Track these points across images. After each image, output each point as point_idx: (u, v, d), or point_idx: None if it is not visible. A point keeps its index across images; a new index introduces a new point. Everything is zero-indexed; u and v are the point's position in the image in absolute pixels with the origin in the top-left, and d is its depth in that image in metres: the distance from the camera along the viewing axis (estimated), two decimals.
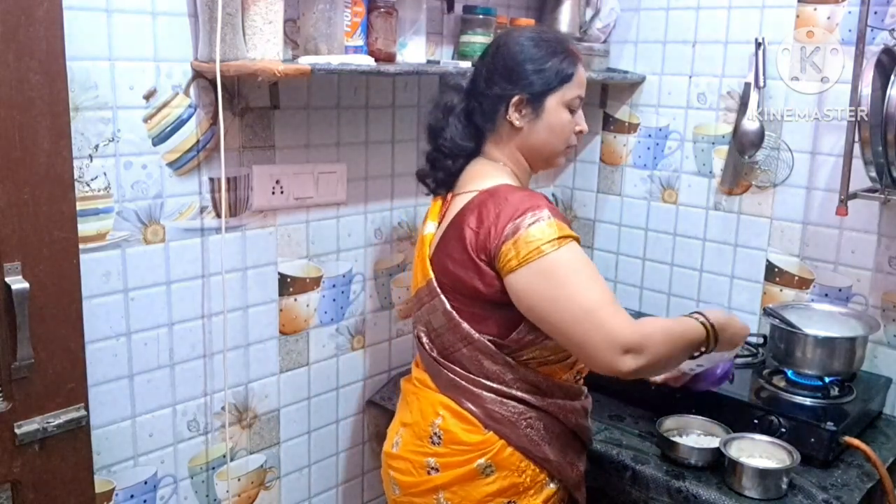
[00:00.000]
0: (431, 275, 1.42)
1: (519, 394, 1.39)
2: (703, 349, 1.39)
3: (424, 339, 1.46)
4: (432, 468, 1.41)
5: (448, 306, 1.39)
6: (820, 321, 1.76)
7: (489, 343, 1.37)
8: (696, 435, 1.63)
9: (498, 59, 1.43)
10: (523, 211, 1.31)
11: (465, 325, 1.38)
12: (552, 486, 1.42)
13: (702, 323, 1.39)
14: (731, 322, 1.45)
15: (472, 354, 1.38)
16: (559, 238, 1.29)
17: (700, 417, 1.65)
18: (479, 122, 1.46)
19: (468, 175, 1.47)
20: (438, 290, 1.40)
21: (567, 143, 1.47)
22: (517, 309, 1.33)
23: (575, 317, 1.27)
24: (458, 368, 1.40)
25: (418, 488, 1.43)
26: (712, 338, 1.39)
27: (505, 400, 1.38)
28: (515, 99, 1.40)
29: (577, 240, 1.33)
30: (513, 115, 1.41)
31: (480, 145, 1.48)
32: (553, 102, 1.41)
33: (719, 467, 1.53)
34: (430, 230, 1.47)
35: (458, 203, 1.42)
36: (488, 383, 1.38)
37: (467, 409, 1.39)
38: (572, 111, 1.44)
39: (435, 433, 1.41)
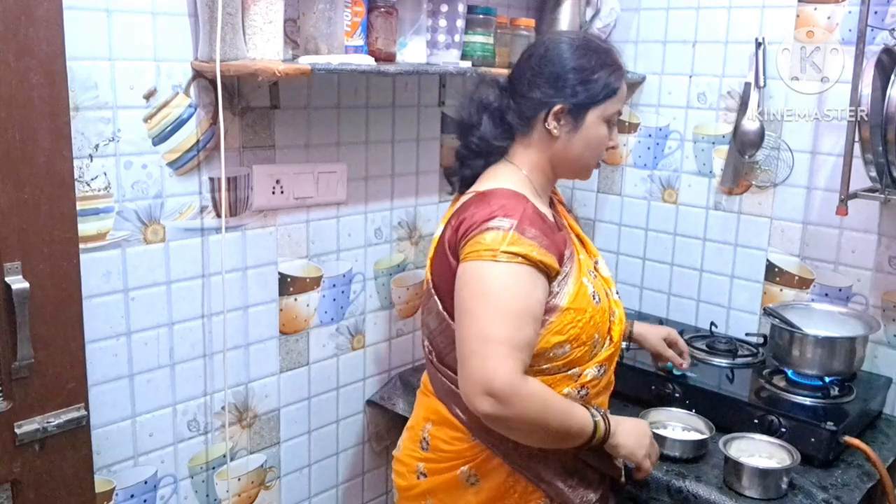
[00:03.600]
0: (429, 276, 1.39)
1: None
2: (589, 441, 1.30)
3: (426, 342, 1.44)
4: (421, 473, 1.40)
5: (441, 307, 1.35)
6: (820, 321, 1.76)
7: None
8: (680, 429, 1.65)
9: (545, 63, 1.35)
10: (492, 215, 1.25)
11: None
12: None
13: (594, 418, 1.30)
14: (633, 431, 1.37)
15: None
16: (506, 252, 1.21)
17: (680, 410, 1.67)
18: (513, 123, 1.38)
19: (484, 176, 1.39)
20: (433, 291, 1.37)
21: (599, 158, 1.41)
22: None
23: (469, 334, 1.21)
24: (450, 373, 1.35)
25: (410, 492, 1.42)
26: (601, 435, 1.30)
27: None
28: (557, 108, 1.33)
29: (538, 264, 1.24)
30: (551, 124, 1.34)
31: (509, 147, 1.40)
32: (594, 116, 1.34)
33: (707, 458, 1.55)
34: (438, 232, 1.41)
35: (458, 204, 1.39)
36: None
37: (456, 416, 1.35)
38: (610, 126, 1.38)
39: (424, 438, 1.41)
